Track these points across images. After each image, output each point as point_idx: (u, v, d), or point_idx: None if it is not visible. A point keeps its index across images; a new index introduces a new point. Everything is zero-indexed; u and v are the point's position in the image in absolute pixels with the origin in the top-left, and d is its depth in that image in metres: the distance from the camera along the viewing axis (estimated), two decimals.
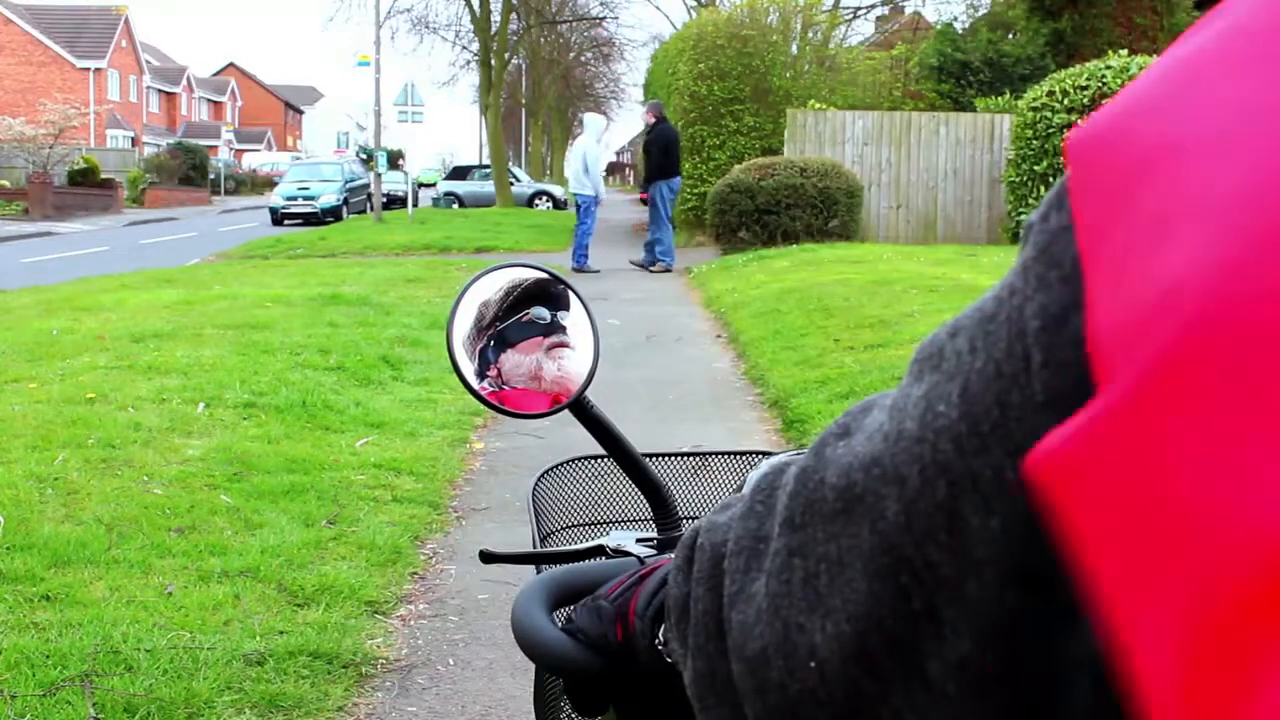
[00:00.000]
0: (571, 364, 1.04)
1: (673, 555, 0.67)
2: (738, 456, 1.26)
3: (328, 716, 3.10)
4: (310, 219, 29.90)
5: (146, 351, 7.59)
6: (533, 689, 1.08)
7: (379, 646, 3.55)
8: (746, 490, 0.56)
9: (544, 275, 1.05)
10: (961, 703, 0.42)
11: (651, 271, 14.71)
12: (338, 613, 3.69)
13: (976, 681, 0.41)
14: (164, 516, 4.46)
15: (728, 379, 7.77)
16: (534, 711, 1.08)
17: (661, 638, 0.71)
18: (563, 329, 1.03)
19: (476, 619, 3.79)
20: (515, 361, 1.02)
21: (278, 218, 30.24)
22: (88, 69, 52.23)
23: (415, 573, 4.19)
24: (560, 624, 0.79)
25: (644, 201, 15.55)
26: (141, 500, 4.63)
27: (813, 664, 0.46)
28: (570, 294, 1.05)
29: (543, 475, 1.20)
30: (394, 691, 3.29)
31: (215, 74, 79.54)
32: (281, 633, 3.50)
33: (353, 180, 32.90)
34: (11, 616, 3.51)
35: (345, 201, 31.69)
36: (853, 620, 0.44)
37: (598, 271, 14.43)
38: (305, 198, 30.84)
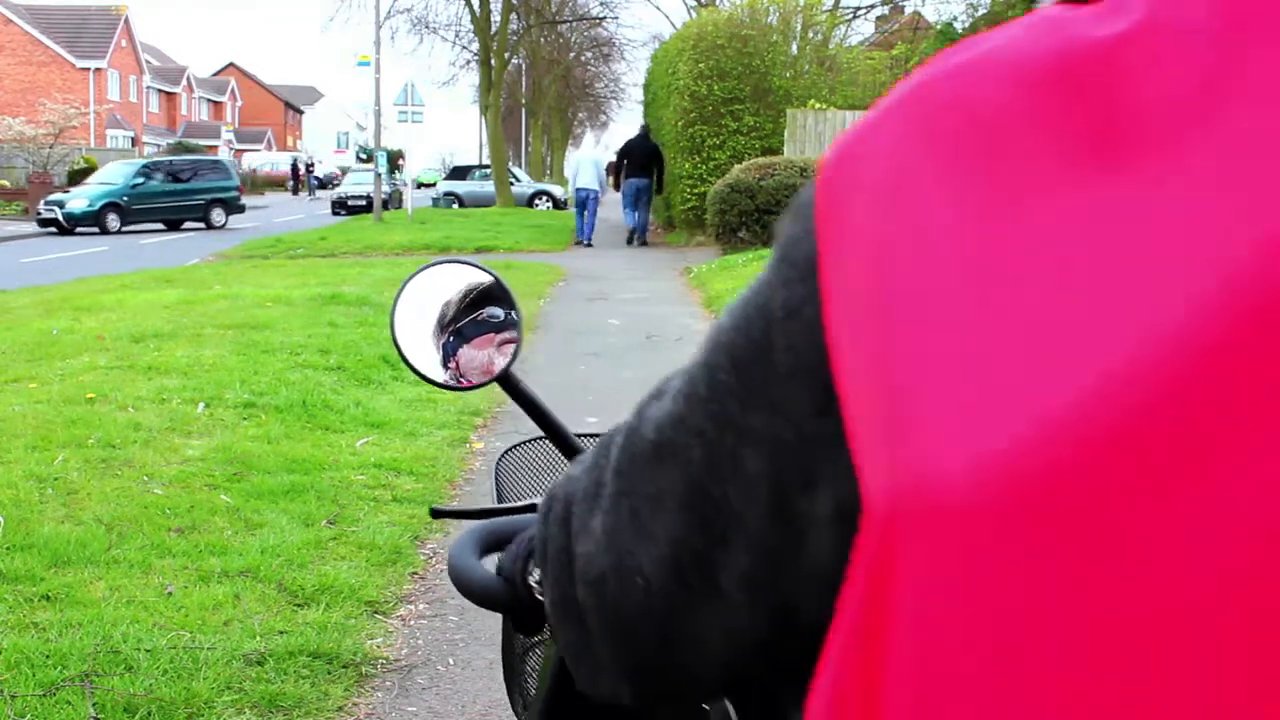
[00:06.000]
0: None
1: None
2: None
3: (328, 716, 3.10)
4: (56, 224, 25.74)
5: (146, 351, 7.60)
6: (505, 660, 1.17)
7: (379, 646, 3.55)
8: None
9: (487, 276, 1.13)
10: (743, 606, 0.53)
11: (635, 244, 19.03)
12: (338, 613, 3.69)
13: (752, 589, 0.52)
14: (164, 516, 4.46)
15: None
16: (501, 663, 1.18)
17: (536, 576, 0.81)
18: (514, 325, 1.13)
19: (476, 619, 3.79)
20: (470, 356, 1.13)
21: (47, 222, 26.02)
22: (88, 69, 52.24)
23: (415, 573, 4.19)
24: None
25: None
26: (141, 500, 4.63)
27: (640, 580, 0.56)
28: (498, 281, 1.14)
29: (508, 451, 1.26)
30: (394, 691, 3.29)
31: (215, 74, 79.54)
32: (281, 633, 3.50)
33: (139, 184, 27.16)
34: (11, 616, 3.51)
35: (119, 207, 26.45)
36: (670, 544, 0.54)
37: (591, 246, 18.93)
38: (57, 203, 26.19)
